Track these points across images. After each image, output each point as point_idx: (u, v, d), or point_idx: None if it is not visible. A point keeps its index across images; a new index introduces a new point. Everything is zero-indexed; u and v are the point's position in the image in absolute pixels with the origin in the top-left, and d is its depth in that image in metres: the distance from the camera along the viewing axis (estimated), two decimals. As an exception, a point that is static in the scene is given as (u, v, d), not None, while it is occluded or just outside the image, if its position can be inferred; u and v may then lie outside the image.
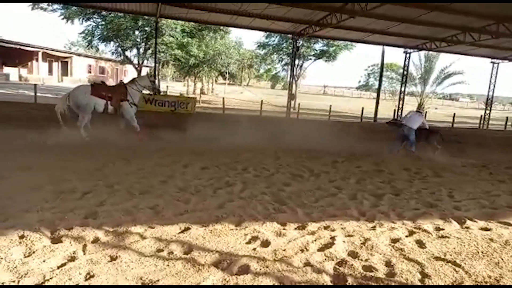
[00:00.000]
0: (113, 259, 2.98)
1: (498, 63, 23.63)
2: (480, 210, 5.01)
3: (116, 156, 6.73)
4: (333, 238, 3.66)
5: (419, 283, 2.91)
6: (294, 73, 24.02)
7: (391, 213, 4.63)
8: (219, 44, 29.51)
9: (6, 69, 30.76)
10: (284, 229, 3.85)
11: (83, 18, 22.92)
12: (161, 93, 16.03)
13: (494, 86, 24.31)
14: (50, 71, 35.95)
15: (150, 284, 2.67)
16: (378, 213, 4.57)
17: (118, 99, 8.46)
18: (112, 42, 25.10)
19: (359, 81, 65.51)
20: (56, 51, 35.68)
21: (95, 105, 8.30)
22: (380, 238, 3.73)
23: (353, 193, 5.45)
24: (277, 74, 56.03)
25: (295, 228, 3.91)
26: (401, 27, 16.15)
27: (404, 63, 23.14)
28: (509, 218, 4.61)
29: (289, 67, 24.83)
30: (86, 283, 2.63)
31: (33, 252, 2.98)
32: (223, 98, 22.69)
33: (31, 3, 20.62)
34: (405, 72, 23.55)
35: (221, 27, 26.17)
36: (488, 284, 2.98)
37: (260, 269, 2.95)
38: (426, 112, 25.21)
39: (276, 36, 30.52)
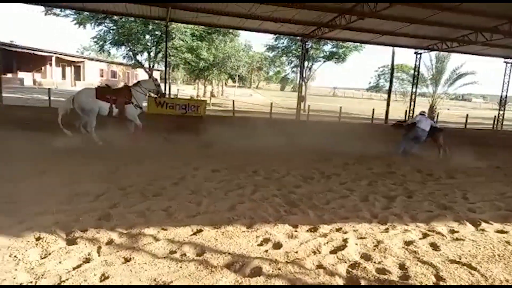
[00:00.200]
0: (127, 260, 3.01)
1: (511, 63, 23.23)
2: (495, 212, 4.93)
3: (128, 159, 6.81)
4: (345, 240, 3.64)
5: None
6: (304, 75, 23.99)
7: (404, 215, 4.58)
8: (229, 47, 29.65)
9: (21, 74, 31.37)
10: (295, 231, 3.84)
11: (95, 23, 23.28)
12: (172, 97, 16.17)
13: (508, 86, 23.89)
14: (64, 76, 36.55)
15: (163, 284, 2.69)
16: (390, 215, 4.53)
17: (122, 102, 8.50)
18: (123, 46, 25.42)
19: (369, 83, 65.09)
20: (69, 55, 36.25)
21: (100, 108, 8.32)
22: (393, 241, 3.70)
23: (365, 195, 5.42)
24: (287, 76, 56.11)
25: (307, 230, 3.90)
26: (411, 27, 16.01)
27: (415, 64, 22.94)
28: (526, 221, 4.53)
29: (299, 69, 24.80)
30: (101, 284, 2.67)
31: (49, 254, 3.03)
32: (233, 100, 22.76)
33: (45, 9, 21.04)
34: (416, 73, 23.32)
35: (231, 30, 26.29)
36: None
37: (273, 271, 2.95)
38: (438, 113, 24.98)
39: (285, 38, 30.56)
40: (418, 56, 22.42)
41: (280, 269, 2.98)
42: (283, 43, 31.83)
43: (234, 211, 4.32)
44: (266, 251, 3.33)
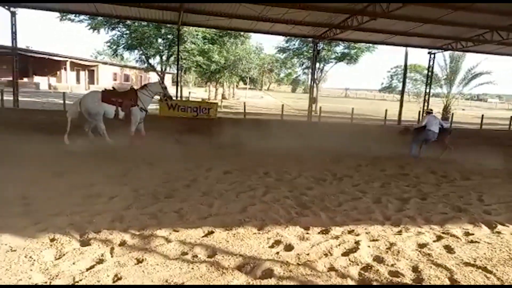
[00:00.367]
0: (139, 261, 3.04)
1: (528, 62, 22.70)
2: (512, 214, 4.82)
3: (140, 161, 6.88)
4: (357, 242, 3.60)
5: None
6: (315, 77, 23.89)
7: (417, 217, 4.52)
8: (240, 50, 29.71)
9: (36, 78, 32.06)
10: (307, 233, 3.82)
11: (108, 28, 23.64)
12: (184, 99, 16.23)
13: (525, 86, 23.33)
14: (78, 80, 37.20)
15: (175, 285, 2.71)
16: (404, 217, 4.47)
17: (128, 104, 8.58)
18: (136, 50, 25.71)
19: (382, 83, 64.34)
20: (83, 60, 36.89)
21: (105, 111, 8.40)
22: (407, 243, 3.65)
23: (378, 197, 5.36)
24: (298, 78, 55.94)
25: (319, 232, 3.88)
26: (424, 27, 15.79)
27: (429, 64, 22.58)
28: (544, 223, 4.41)
29: (310, 70, 24.71)
30: (114, 284, 2.70)
31: (63, 255, 3.08)
32: (244, 102, 22.80)
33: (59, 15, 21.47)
34: (429, 73, 22.98)
35: (242, 33, 26.38)
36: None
37: (284, 273, 2.94)
38: (452, 113, 24.56)
39: (297, 40, 30.50)
40: (432, 56, 22.09)
41: (291, 271, 2.97)
42: (294, 44, 31.75)
43: (245, 213, 4.33)
44: (278, 253, 3.32)
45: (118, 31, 24.27)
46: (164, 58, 26.32)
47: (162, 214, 4.16)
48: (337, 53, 30.45)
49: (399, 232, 3.97)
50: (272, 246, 3.48)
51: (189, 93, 30.77)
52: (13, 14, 14.56)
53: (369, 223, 4.19)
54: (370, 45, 27.39)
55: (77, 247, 3.24)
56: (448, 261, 3.28)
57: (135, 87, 9.21)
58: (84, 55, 60.61)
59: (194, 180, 5.75)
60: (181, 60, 22.76)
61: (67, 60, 33.62)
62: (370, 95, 67.93)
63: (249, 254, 3.25)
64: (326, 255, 3.33)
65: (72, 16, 21.91)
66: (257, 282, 2.80)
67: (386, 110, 21.55)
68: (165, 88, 9.18)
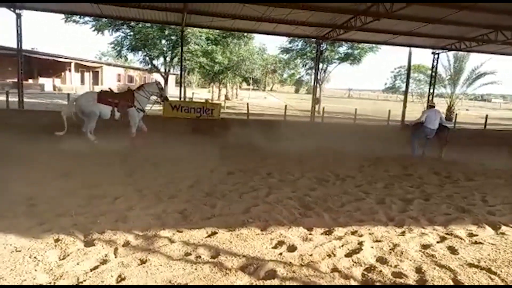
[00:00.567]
0: (143, 262, 3.06)
1: (533, 62, 22.58)
2: (517, 215, 4.79)
3: (144, 162, 6.91)
4: (360, 243, 3.60)
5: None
6: (318, 77, 23.85)
7: (421, 218, 4.51)
8: (243, 50, 29.75)
9: (41, 80, 32.25)
10: (310, 234, 3.83)
11: (112, 29, 23.76)
12: (188, 100, 16.26)
13: (530, 86, 23.20)
14: (82, 81, 37.36)
15: (178, 285, 2.72)
16: (407, 218, 4.46)
17: (125, 105, 8.62)
18: (140, 52, 25.82)
19: (385, 84, 64.11)
20: (88, 61, 37.06)
21: (101, 112, 8.45)
22: (410, 244, 3.64)
23: (381, 198, 5.35)
24: (301, 78, 55.80)
25: (322, 233, 3.88)
26: (428, 27, 15.72)
27: (432, 64, 22.45)
28: (549, 224, 4.39)
29: (313, 71, 24.69)
30: (118, 285, 2.72)
31: (68, 255, 3.10)
32: (247, 103, 22.81)
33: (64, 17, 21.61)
34: (433, 74, 22.88)
35: (245, 34, 26.41)
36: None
37: (287, 274, 2.94)
38: (456, 114, 24.45)
39: (300, 41, 30.47)
40: (436, 56, 21.97)
41: (294, 272, 2.97)
42: (297, 45, 31.71)
43: (248, 214, 4.34)
44: (281, 253, 3.32)
45: (122, 32, 24.41)
46: (167, 59, 26.40)
47: (166, 214, 4.17)
48: (341, 53, 30.35)
49: (403, 233, 3.96)
50: (275, 247, 3.48)
51: (193, 94, 30.82)
52: (19, 16, 14.64)
53: (372, 224, 4.19)
54: (374, 45, 27.31)
55: (81, 247, 3.26)
56: (451, 262, 3.27)
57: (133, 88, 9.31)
58: (89, 56, 60.95)
59: (197, 180, 5.77)
60: (184, 61, 22.83)
61: (71, 62, 33.78)
62: (373, 96, 67.70)
63: (252, 255, 3.26)
64: (329, 256, 3.33)
65: (76, 18, 22.05)
66: (261, 283, 2.81)
67: (389, 111, 21.46)
68: (162, 88, 9.26)
